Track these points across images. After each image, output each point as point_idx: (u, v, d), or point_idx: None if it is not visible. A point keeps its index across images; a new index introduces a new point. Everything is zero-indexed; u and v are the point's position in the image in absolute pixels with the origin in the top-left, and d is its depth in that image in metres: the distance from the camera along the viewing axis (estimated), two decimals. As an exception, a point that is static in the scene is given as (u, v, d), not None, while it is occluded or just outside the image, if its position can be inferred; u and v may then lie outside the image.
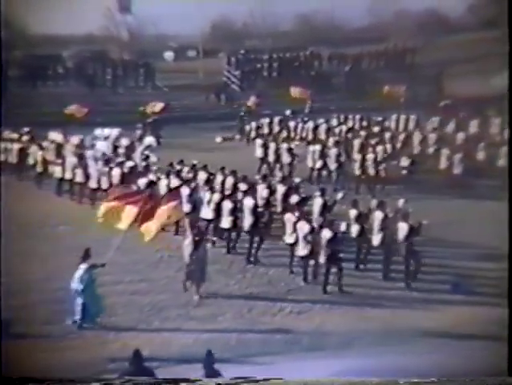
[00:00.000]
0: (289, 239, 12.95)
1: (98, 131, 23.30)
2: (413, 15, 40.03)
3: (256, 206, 13.83)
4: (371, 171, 18.54)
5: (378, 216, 12.95)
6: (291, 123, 24.92)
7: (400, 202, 13.59)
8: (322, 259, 12.15)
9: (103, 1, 38.70)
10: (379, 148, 19.51)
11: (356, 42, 38.22)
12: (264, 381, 8.65)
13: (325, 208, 13.83)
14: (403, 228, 12.38)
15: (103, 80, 35.17)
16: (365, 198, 15.12)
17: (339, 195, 14.39)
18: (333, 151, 19.28)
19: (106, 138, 22.49)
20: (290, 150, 20.02)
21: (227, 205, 13.96)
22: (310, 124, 23.94)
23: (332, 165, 19.06)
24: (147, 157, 18.93)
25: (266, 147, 20.54)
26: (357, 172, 18.73)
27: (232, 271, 13.11)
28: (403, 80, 30.97)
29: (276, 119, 25.40)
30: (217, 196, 14.47)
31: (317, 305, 11.65)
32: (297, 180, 16.23)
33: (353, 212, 13.30)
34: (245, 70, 36.79)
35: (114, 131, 23.20)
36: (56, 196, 18.35)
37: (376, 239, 12.94)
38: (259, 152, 20.59)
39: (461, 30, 38.95)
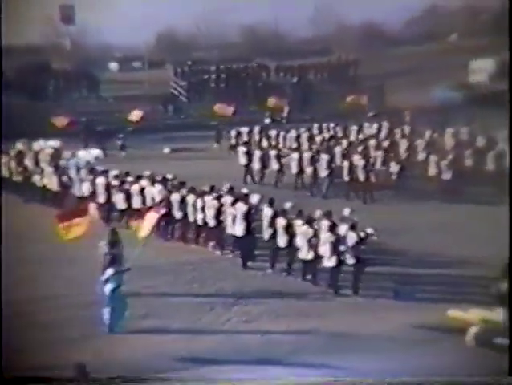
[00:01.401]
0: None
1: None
2: (355, 29, 41.04)
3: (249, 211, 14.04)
4: (361, 177, 18.94)
5: (323, 225, 13.09)
6: (272, 132, 25.02)
7: (346, 211, 13.82)
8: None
9: (45, 10, 38.09)
10: (370, 154, 20.10)
11: (301, 54, 38.89)
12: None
13: (274, 219, 13.91)
14: (351, 237, 12.61)
15: (46, 92, 34.57)
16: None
17: (288, 204, 14.50)
18: (324, 158, 19.59)
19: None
20: (278, 157, 20.33)
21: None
22: (293, 133, 24.18)
23: (323, 172, 19.36)
24: (92, 169, 18.71)
25: (249, 154, 20.79)
26: (346, 178, 19.13)
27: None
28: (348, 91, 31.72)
29: (245, 129, 25.40)
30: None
31: (264, 314, 11.72)
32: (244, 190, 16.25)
33: (298, 223, 13.44)
34: (192, 82, 36.80)
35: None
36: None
37: (322, 249, 13.06)
38: (243, 160, 20.82)
39: (400, 43, 40.12)
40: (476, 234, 15.04)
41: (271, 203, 14.30)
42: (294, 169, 20.10)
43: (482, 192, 18.29)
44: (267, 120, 28.90)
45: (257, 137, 24.75)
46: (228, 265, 14.16)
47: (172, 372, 9.63)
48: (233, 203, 14.63)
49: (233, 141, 24.87)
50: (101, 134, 26.66)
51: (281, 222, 13.62)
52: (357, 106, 29.91)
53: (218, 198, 15.02)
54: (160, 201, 15.14)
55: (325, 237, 12.79)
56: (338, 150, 20.98)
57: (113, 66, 42.58)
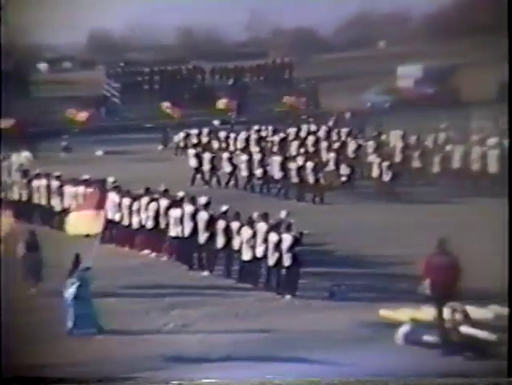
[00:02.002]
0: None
1: None
2: (290, 33, 41.60)
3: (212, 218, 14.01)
4: (311, 178, 19.26)
5: (261, 228, 13.33)
6: (221, 134, 24.95)
7: (283, 213, 14.08)
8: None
9: (-29, 8, 36.78)
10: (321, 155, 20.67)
11: (237, 57, 39.08)
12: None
13: (210, 223, 14.00)
14: (286, 239, 12.85)
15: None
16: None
17: (224, 208, 14.64)
18: (276, 160, 19.80)
19: None
20: (230, 159, 20.44)
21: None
22: (243, 135, 24.22)
23: (277, 174, 19.58)
24: (24, 172, 18.35)
25: (199, 157, 20.78)
26: (294, 179, 19.40)
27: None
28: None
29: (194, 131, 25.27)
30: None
31: (202, 318, 11.81)
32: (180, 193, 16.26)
33: (235, 225, 13.61)
34: (124, 83, 36.36)
35: None
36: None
37: (259, 250, 13.29)
38: (193, 163, 20.83)
39: (333, 48, 41.00)
40: (411, 234, 15.50)
41: (207, 205, 14.42)
42: (244, 171, 20.33)
43: (422, 192, 19.08)
44: (216, 122, 28.82)
45: (206, 139, 24.78)
46: (165, 269, 14.17)
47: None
48: (170, 206, 14.68)
49: (181, 143, 24.86)
50: (33, 136, 26.04)
51: (220, 224, 13.73)
52: (293, 108, 30.39)
53: (155, 200, 15.03)
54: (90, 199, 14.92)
55: (263, 238, 13.00)
56: (289, 151, 21.45)
57: (43, 66, 41.55)
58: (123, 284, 13.28)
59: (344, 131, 24.50)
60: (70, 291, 11.09)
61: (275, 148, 22.27)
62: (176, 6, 35.76)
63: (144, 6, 35.26)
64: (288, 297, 12.72)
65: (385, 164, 20.08)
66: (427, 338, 10.28)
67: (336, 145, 22.54)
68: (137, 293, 12.90)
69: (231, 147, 23.53)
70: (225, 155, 21.14)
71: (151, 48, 39.38)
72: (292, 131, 25.24)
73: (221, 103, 31.30)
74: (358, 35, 41.79)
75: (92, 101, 33.71)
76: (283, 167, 19.76)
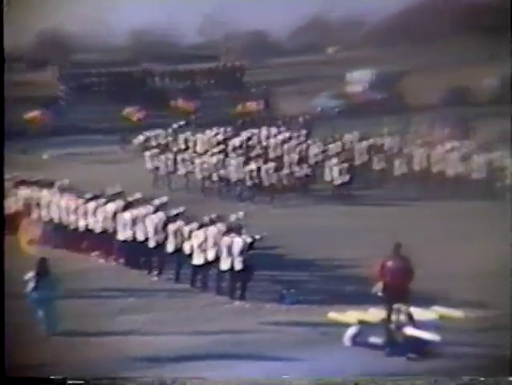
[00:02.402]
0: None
1: None
2: (242, 37, 41.78)
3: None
4: (267, 181, 19.54)
5: (213, 231, 13.33)
6: (181, 136, 24.92)
7: (234, 217, 14.14)
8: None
9: None
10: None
11: (189, 60, 39.00)
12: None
13: (166, 225, 13.95)
14: (238, 243, 12.93)
15: None
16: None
17: (176, 211, 14.61)
18: (233, 163, 19.93)
19: None
20: (185, 161, 20.56)
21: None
22: (203, 136, 24.26)
23: (234, 176, 19.74)
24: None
25: (156, 159, 20.86)
26: (250, 182, 19.62)
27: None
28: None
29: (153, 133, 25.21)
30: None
31: (151, 322, 11.80)
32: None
33: (187, 229, 13.61)
34: (74, 85, 35.86)
35: None
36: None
37: (211, 254, 13.32)
38: (150, 165, 20.89)
39: (285, 53, 41.38)
40: (361, 237, 15.82)
41: (158, 208, 14.39)
42: (200, 174, 20.40)
43: (374, 195, 19.52)
44: (175, 125, 28.63)
45: (165, 141, 24.77)
46: (113, 273, 14.08)
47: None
48: (120, 209, 14.59)
49: (140, 145, 24.80)
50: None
51: (171, 227, 13.71)
52: (247, 112, 30.58)
53: (104, 204, 14.91)
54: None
55: (214, 241, 13.05)
56: (245, 154, 21.48)
57: (-9, 67, 40.42)
58: (72, 288, 13.12)
59: (298, 134, 24.83)
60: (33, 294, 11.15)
61: (231, 151, 22.34)
62: (126, 7, 35.47)
63: (95, 7, 34.89)
64: (239, 301, 12.80)
65: (339, 167, 20.44)
66: (373, 339, 10.51)
67: (291, 148, 22.80)
68: (86, 297, 12.76)
69: (191, 150, 23.53)
70: (181, 157, 21.13)
71: (101, 50, 38.93)
72: (247, 134, 25.48)
73: (180, 105, 31.22)
74: (310, 40, 42.34)
75: (43, 102, 33.13)
76: (240, 169, 19.87)
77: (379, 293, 10.74)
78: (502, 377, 9.86)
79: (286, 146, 23.07)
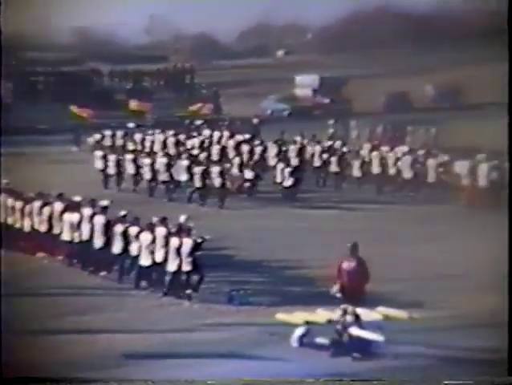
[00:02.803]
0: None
1: None
2: (190, 38, 41.70)
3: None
4: (216, 183, 19.44)
5: (161, 232, 13.29)
6: (137, 136, 24.74)
7: (182, 218, 14.07)
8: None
9: None
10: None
11: (137, 60, 38.66)
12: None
13: (108, 228, 13.80)
14: (186, 244, 12.88)
15: None
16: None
17: (122, 212, 14.43)
18: (182, 164, 19.89)
19: None
20: (134, 161, 20.38)
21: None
22: (160, 136, 24.10)
23: (183, 178, 19.76)
24: None
25: (106, 159, 20.59)
26: (199, 183, 19.50)
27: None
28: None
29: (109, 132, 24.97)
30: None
31: (98, 322, 11.66)
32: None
33: (134, 230, 13.50)
34: (18, 83, 34.97)
35: None
36: None
37: (159, 255, 13.23)
38: (99, 165, 20.62)
39: (233, 55, 41.52)
40: (309, 238, 16.01)
41: (105, 209, 14.21)
42: (148, 175, 20.29)
43: (323, 197, 19.81)
44: (131, 124, 28.31)
45: (114, 142, 24.52)
46: (61, 274, 13.84)
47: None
48: (65, 209, 14.39)
49: (91, 145, 24.64)
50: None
51: (117, 228, 13.57)
52: (197, 113, 30.56)
53: (49, 204, 14.65)
54: None
55: (163, 243, 12.97)
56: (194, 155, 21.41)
57: None
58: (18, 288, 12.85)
59: (248, 136, 24.93)
60: None
61: (181, 153, 22.28)
62: (73, 6, 34.90)
63: (40, 5, 34.16)
64: (187, 302, 12.76)
65: (288, 169, 20.61)
66: (320, 340, 10.64)
67: (240, 150, 22.89)
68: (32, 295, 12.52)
69: (140, 151, 23.39)
70: (129, 157, 20.99)
71: (47, 48, 38.17)
72: (197, 135, 25.40)
73: (134, 106, 30.98)
74: (258, 43, 42.61)
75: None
76: (189, 171, 19.87)
77: (338, 295, 10.90)
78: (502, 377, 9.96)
79: (235, 148, 23.18)
